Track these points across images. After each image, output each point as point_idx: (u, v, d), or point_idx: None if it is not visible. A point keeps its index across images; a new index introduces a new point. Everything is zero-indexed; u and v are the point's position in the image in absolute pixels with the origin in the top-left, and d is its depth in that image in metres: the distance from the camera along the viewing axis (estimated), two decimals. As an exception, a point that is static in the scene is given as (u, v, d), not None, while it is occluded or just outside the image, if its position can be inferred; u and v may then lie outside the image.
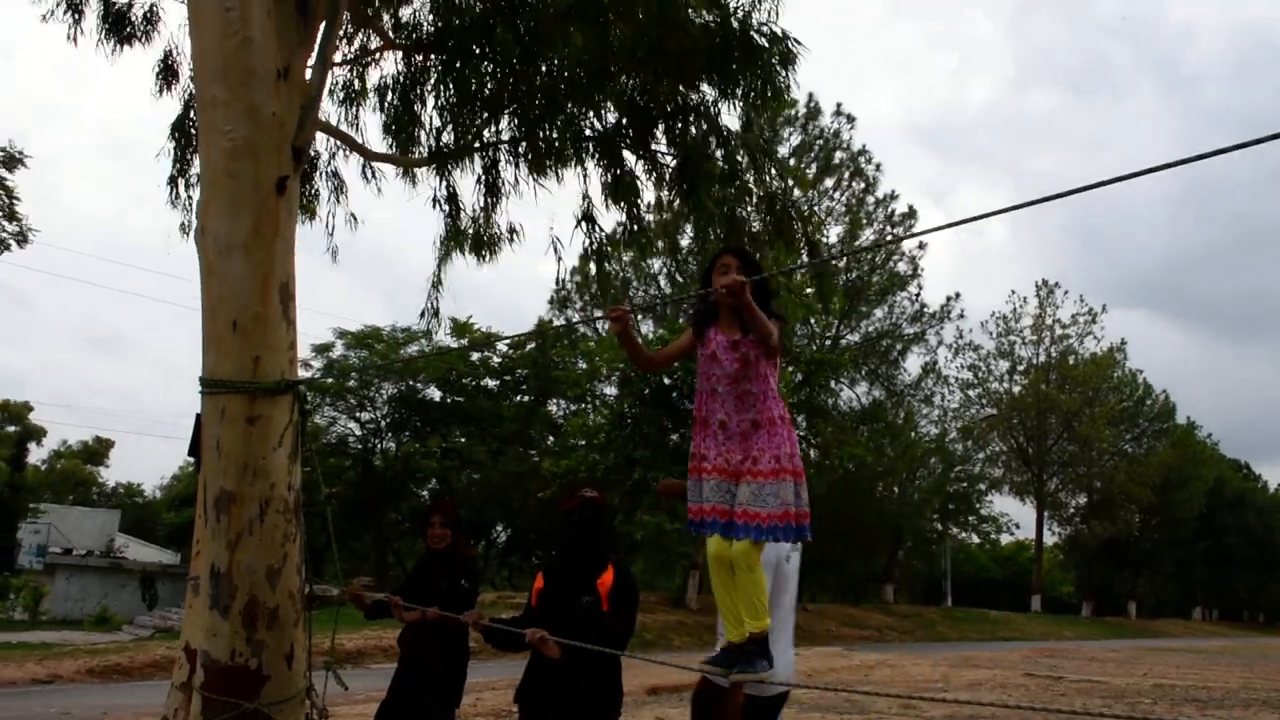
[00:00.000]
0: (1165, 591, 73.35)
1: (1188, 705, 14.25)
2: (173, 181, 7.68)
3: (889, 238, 39.22)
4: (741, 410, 3.74)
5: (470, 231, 7.32)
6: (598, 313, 34.28)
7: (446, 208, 7.20)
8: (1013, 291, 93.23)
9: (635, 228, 7.12)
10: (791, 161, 38.27)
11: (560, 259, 7.25)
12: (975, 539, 55.03)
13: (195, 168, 7.67)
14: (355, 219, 8.10)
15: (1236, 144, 2.42)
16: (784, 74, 6.62)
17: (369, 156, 6.92)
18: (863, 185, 39.40)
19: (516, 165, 6.87)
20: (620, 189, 6.84)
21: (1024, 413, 54.39)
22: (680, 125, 6.58)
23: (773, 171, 7.35)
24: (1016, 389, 55.30)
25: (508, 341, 39.41)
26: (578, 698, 4.38)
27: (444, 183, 7.15)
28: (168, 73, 7.67)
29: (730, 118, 6.77)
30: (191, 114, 7.33)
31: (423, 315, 7.76)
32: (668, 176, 6.91)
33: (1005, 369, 55.73)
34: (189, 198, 7.75)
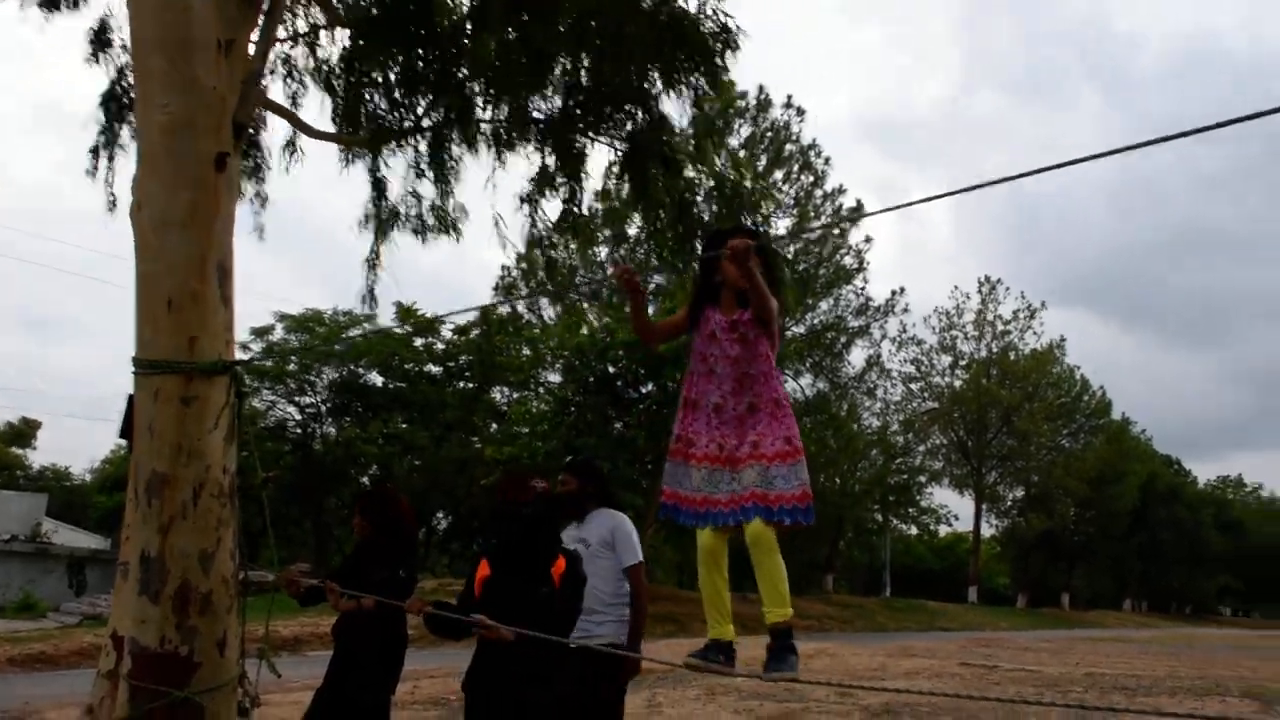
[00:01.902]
0: (1098, 584, 74.94)
1: (1117, 693, 14.54)
2: (95, 152, 7.45)
3: (846, 218, 39.39)
4: (740, 393, 3.59)
5: (412, 213, 7.20)
6: (544, 300, 34.14)
7: (384, 189, 7.07)
8: (956, 287, 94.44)
9: (577, 213, 7.04)
10: (742, 153, 38.36)
11: (506, 243, 7.16)
12: (915, 530, 55.74)
13: (126, 140, 7.46)
14: (292, 200, 7.91)
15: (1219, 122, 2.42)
16: (724, 62, 6.58)
17: (312, 134, 6.78)
18: (811, 179, 39.60)
19: (461, 147, 6.76)
20: (564, 174, 6.76)
21: (964, 407, 55.13)
22: (628, 111, 6.52)
23: (722, 159, 7.32)
24: (958, 383, 56.06)
25: (452, 327, 39.10)
26: (530, 679, 4.30)
27: (384, 163, 7.03)
28: (101, 42, 7.43)
29: (677, 103, 6.72)
30: (124, 84, 7.13)
31: (362, 300, 7.60)
32: (616, 163, 6.85)
33: (947, 363, 56.49)
34: (110, 170, 7.52)
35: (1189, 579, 77.26)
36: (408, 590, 5.57)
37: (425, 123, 6.64)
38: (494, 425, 40.22)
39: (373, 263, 7.51)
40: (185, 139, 4.65)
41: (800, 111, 39.63)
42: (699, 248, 7.16)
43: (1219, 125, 2.47)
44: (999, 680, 16.35)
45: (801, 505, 3.46)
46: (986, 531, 60.89)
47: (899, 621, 39.26)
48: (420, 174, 6.90)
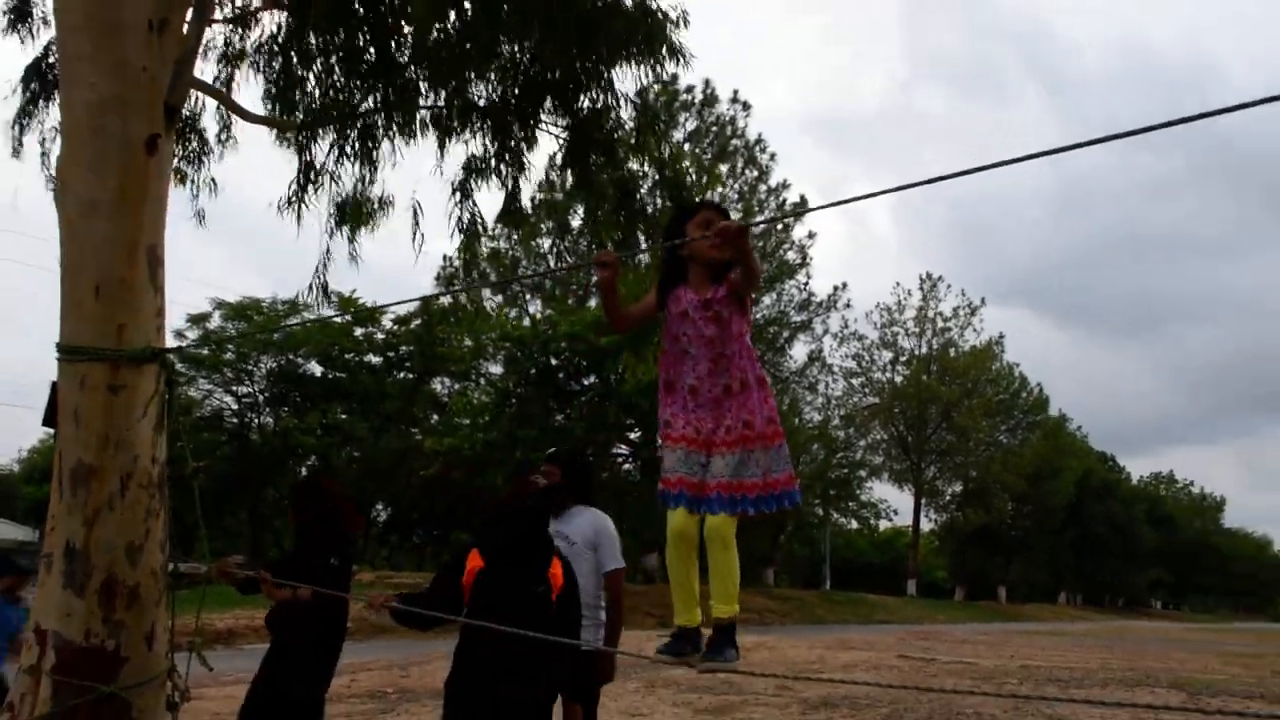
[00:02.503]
0: (1035, 577, 76.36)
1: (1051, 685, 14.79)
2: (20, 130, 7.21)
3: (790, 212, 39.57)
4: (715, 374, 3.47)
5: (349, 201, 7.06)
6: (485, 292, 33.88)
7: (316, 174, 6.92)
8: (897, 284, 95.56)
9: (514, 204, 6.94)
10: (686, 147, 38.40)
11: (453, 232, 7.04)
12: (855, 524, 56.24)
13: (51, 118, 7.23)
14: (215, 184, 7.69)
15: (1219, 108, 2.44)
16: (664, 49, 6.52)
17: (246, 118, 6.64)
18: (756, 174, 39.78)
19: (397, 133, 6.64)
20: (506, 163, 6.68)
21: (905, 402, 55.79)
22: (573, 94, 6.44)
23: (667, 149, 7.28)
24: (898, 379, 56.73)
25: (392, 317, 38.73)
26: (511, 675, 4.21)
27: (318, 148, 6.88)
28: (20, 13, 7.17)
29: (632, 77, 6.65)
30: (50, 61, 6.91)
31: (310, 289, 7.44)
32: (558, 152, 6.79)
33: (888, 359, 57.17)
34: (18, 143, 7.27)
35: (1122, 573, 79.06)
36: (341, 578, 5.49)
37: (363, 107, 6.52)
38: (434, 416, 39.95)
39: (325, 261, 7.35)
40: (113, 120, 4.51)
41: (746, 106, 39.80)
42: (641, 239, 7.12)
43: (1153, 128, 2.49)
44: (936, 673, 16.56)
45: (765, 494, 3.37)
46: (925, 526, 61.86)
47: (838, 614, 39.64)
48: (350, 159, 6.77)
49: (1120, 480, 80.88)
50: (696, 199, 8.59)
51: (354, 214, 7.11)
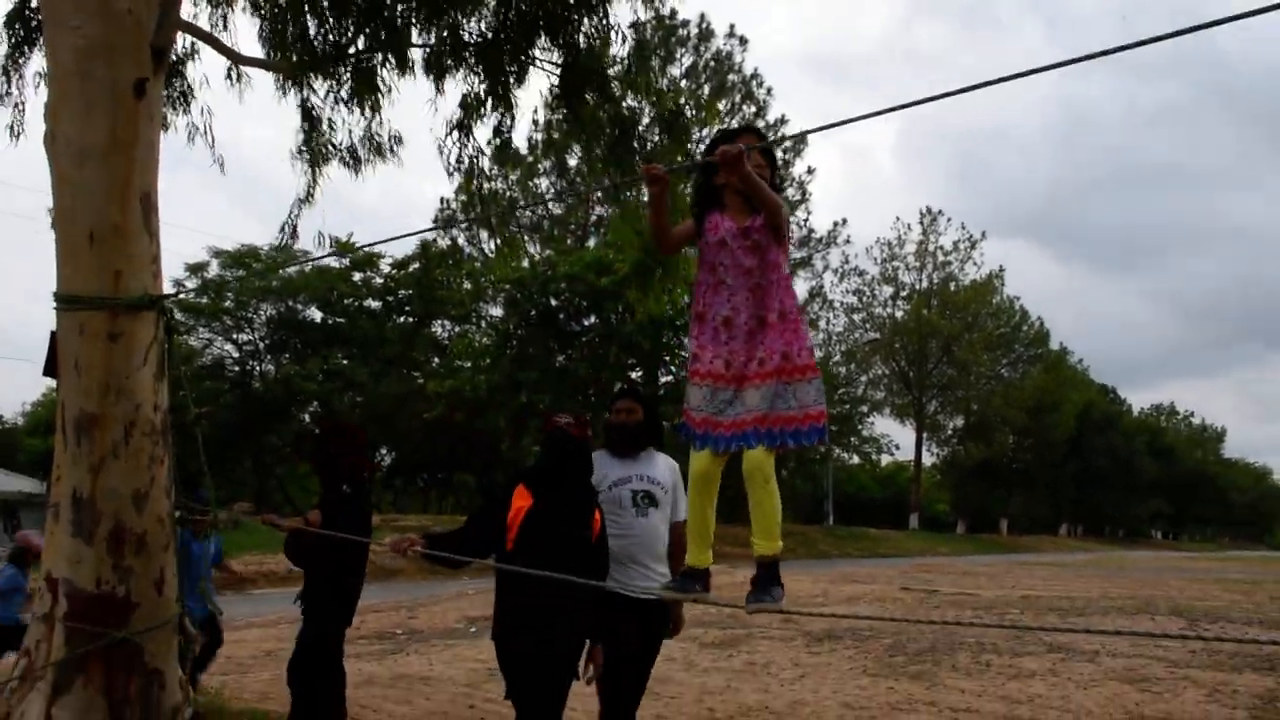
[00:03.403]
0: (1035, 509, 76.87)
1: (1051, 614, 14.95)
2: (5, 75, 7.08)
3: (786, 137, 39.26)
4: (750, 305, 3.33)
5: (343, 143, 6.97)
6: (484, 234, 33.73)
7: (315, 118, 6.82)
8: (897, 218, 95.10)
9: (510, 142, 6.84)
10: (684, 83, 38.00)
11: (452, 172, 6.95)
12: (857, 460, 56.49)
13: (36, 62, 7.10)
14: (207, 132, 7.56)
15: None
16: None
17: (237, 60, 6.53)
18: (754, 109, 39.41)
19: (390, 71, 6.52)
20: (497, 101, 6.56)
21: (906, 337, 55.77)
22: (565, 30, 6.32)
23: (663, 85, 7.17)
24: (899, 314, 56.65)
25: (390, 261, 38.56)
26: (562, 614, 4.11)
27: (314, 91, 6.77)
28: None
29: (619, 16, 6.54)
30: (34, 4, 6.78)
31: (281, 230, 7.35)
32: (551, 90, 6.68)
33: (889, 294, 57.04)
34: (20, 98, 7.16)
35: (1122, 504, 79.59)
36: (352, 507, 5.48)
37: (356, 47, 6.40)
38: (435, 360, 39.94)
39: (307, 196, 7.26)
40: (100, 64, 4.44)
41: (743, 41, 39.33)
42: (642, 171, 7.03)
43: (1146, 41, 2.44)
44: (938, 604, 16.73)
45: (804, 427, 3.26)
46: (927, 460, 62.10)
47: (842, 549, 39.98)
48: (347, 101, 6.66)
49: (1121, 413, 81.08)
50: (692, 133, 8.48)
51: (351, 155, 7.03)
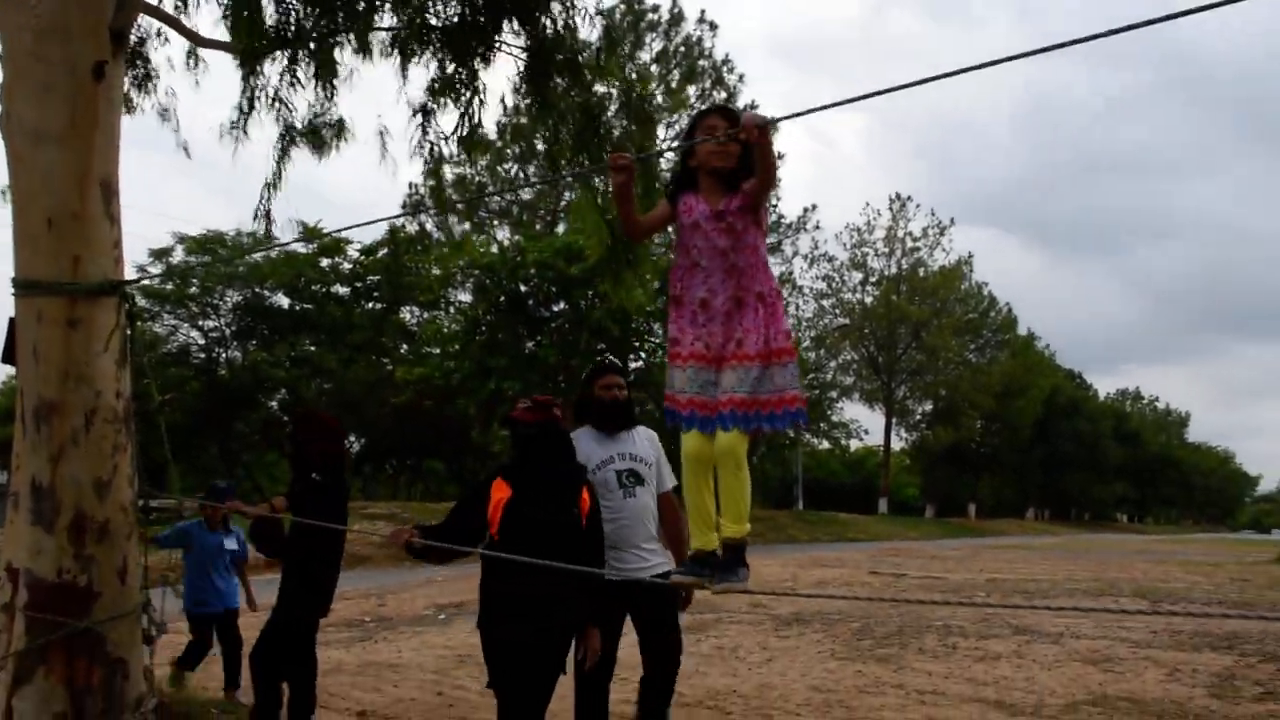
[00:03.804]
0: (1003, 493, 77.72)
1: (1017, 596, 15.12)
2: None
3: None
4: (726, 287, 3.33)
5: (305, 126, 6.88)
6: (452, 218, 33.53)
7: (279, 100, 6.73)
8: (867, 204, 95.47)
9: (474, 128, 6.78)
10: (654, 68, 37.91)
11: (413, 155, 6.89)
12: (826, 445, 56.82)
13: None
14: (173, 116, 7.43)
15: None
16: None
17: (199, 42, 6.45)
18: (724, 95, 39.34)
19: (353, 55, 6.45)
20: (463, 85, 6.51)
21: (875, 323, 56.09)
22: (533, 14, 6.27)
23: (631, 73, 7.14)
24: (868, 299, 56.95)
25: (359, 246, 38.31)
26: (555, 601, 4.11)
27: (272, 72, 6.67)
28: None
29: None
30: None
31: (255, 216, 7.26)
32: (518, 74, 6.64)
33: (858, 280, 57.32)
34: None
35: (1088, 488, 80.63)
36: (324, 495, 5.47)
37: (319, 30, 6.33)
38: (404, 346, 39.77)
39: (273, 183, 7.18)
40: (56, 46, 4.36)
41: (713, 26, 39.23)
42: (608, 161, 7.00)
43: (1113, 32, 2.45)
44: (906, 587, 16.89)
45: (779, 411, 3.27)
46: (896, 445, 62.48)
47: (811, 534, 40.20)
48: (305, 83, 6.58)
49: (1087, 397, 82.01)
50: (664, 120, 8.44)
51: (314, 139, 6.95)
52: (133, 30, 5.46)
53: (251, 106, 6.76)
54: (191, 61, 7.28)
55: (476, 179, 36.62)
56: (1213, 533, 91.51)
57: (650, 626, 4.77)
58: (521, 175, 36.84)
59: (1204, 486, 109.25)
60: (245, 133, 6.91)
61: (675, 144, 3.59)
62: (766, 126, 3.16)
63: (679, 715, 7.04)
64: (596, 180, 7.18)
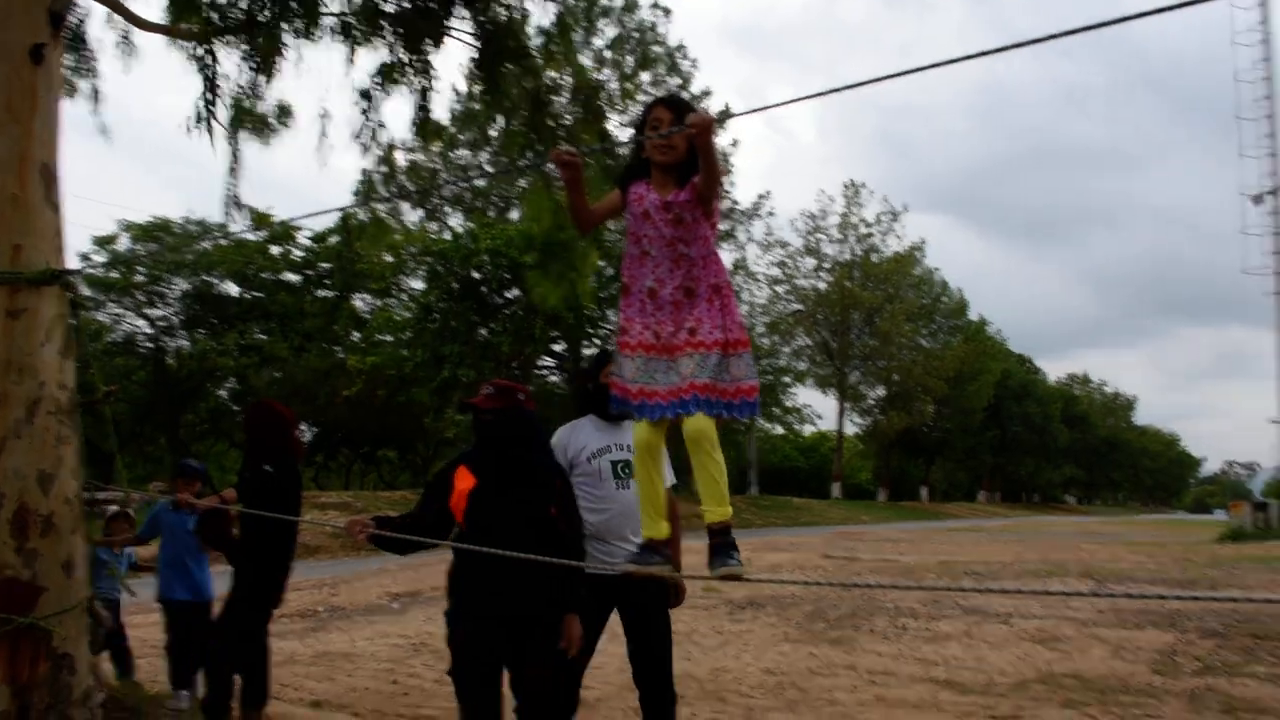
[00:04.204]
0: (955, 477, 78.69)
1: (967, 578, 15.33)
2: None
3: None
4: (675, 277, 3.31)
5: (249, 109, 6.76)
6: (404, 205, 33.25)
7: (217, 86, 6.61)
8: (821, 191, 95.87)
9: (425, 115, 6.73)
10: (608, 54, 37.74)
11: (357, 137, 6.81)
12: (780, 430, 57.16)
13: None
14: (96, 98, 7.23)
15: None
16: None
17: (140, 25, 6.32)
18: (679, 82, 39.29)
19: (300, 39, 6.36)
20: (412, 71, 6.45)
21: (828, 308, 56.47)
22: (484, 3, 6.23)
23: (581, 60, 7.12)
24: (822, 285, 57.29)
25: (309, 234, 37.90)
26: (527, 596, 4.05)
27: (221, 59, 6.56)
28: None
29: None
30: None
31: (224, 206, 7.12)
32: (470, 61, 6.59)
33: (811, 266, 57.64)
34: None
35: (1038, 471, 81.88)
36: (273, 486, 5.39)
37: (263, 15, 6.23)
38: (356, 334, 39.44)
39: (233, 168, 7.06)
40: (-6, 29, 4.29)
41: (666, 12, 39.05)
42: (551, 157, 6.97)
43: (1069, 33, 2.48)
44: (859, 570, 17.06)
45: (737, 400, 3.26)
46: (849, 429, 63.02)
47: (765, 518, 40.43)
48: (253, 69, 6.47)
49: (1037, 382, 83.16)
50: (610, 107, 8.42)
51: (259, 124, 6.86)
52: (71, 13, 5.34)
53: (215, 96, 6.63)
54: (125, 44, 7.10)
55: (429, 165, 36.38)
56: (1159, 514, 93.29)
57: (635, 622, 4.70)
58: (474, 162, 36.60)
59: (1150, 469, 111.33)
60: (212, 125, 6.77)
61: (626, 136, 3.54)
62: (706, 127, 3.14)
63: (629, 699, 7.09)
64: (550, 166, 7.14)
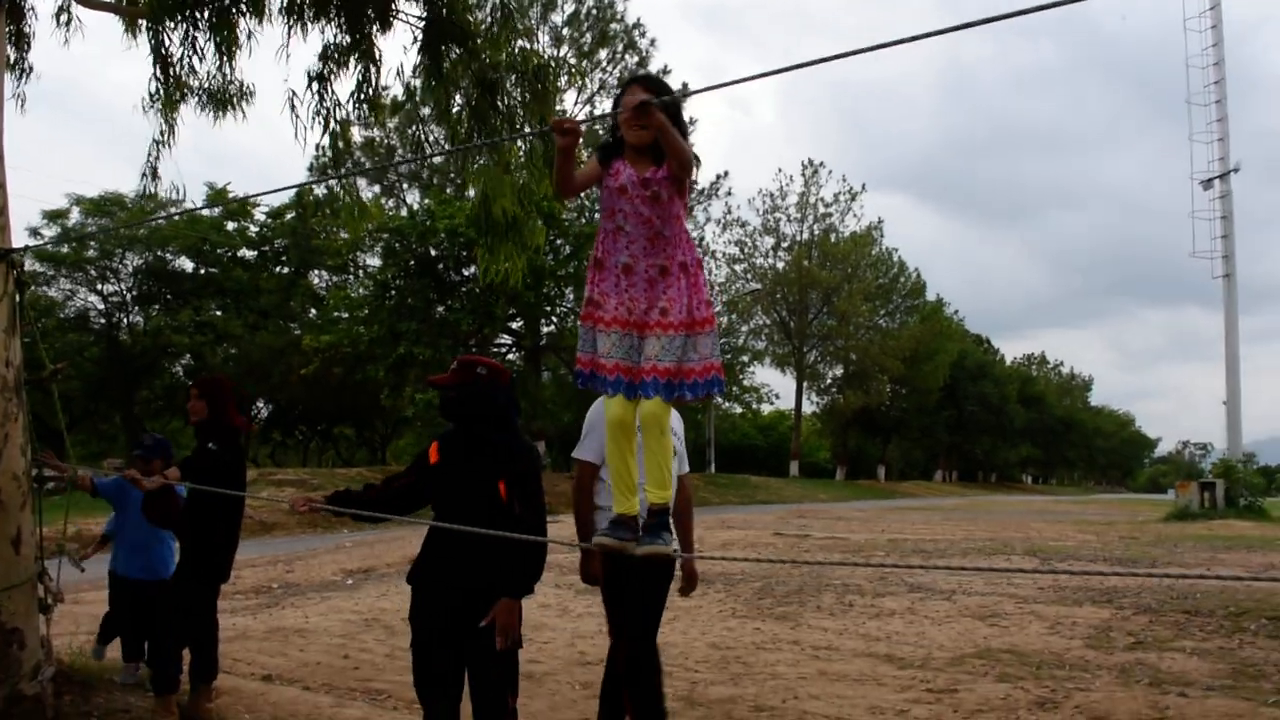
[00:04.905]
0: (912, 455, 79.51)
1: (915, 556, 15.62)
2: None
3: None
4: (650, 254, 3.37)
5: (201, 88, 6.75)
6: (362, 181, 33.02)
7: (169, 64, 6.58)
8: (779, 170, 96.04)
9: (370, 95, 6.75)
10: (565, 31, 37.66)
11: (307, 123, 6.83)
12: (738, 408, 57.49)
13: None
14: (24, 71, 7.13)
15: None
16: None
17: (88, 5, 6.30)
18: (636, 60, 39.30)
19: (249, 17, 6.34)
20: (357, 53, 6.46)
21: (786, 288, 56.81)
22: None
23: (529, 43, 7.15)
24: (780, 265, 57.58)
25: (266, 210, 37.56)
26: (471, 570, 4.06)
27: (168, 36, 6.51)
28: None
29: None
30: None
31: (142, 175, 7.08)
32: (415, 44, 6.61)
33: (770, 245, 57.92)
34: None
35: (994, 450, 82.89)
36: (220, 463, 5.41)
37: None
38: (313, 311, 39.18)
39: (160, 143, 7.02)
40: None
41: (624, -11, 39.07)
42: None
43: (1022, 13, 2.58)
44: (809, 548, 17.29)
45: (703, 379, 3.33)
46: (807, 408, 63.58)
47: (723, 497, 40.74)
48: (204, 47, 6.44)
49: (994, 362, 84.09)
50: (561, 91, 8.44)
51: (213, 100, 6.85)
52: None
53: (167, 78, 6.60)
54: (64, 18, 7.00)
55: (386, 141, 36.14)
56: (1113, 493, 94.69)
57: (632, 603, 4.63)
58: (431, 138, 36.42)
59: (1105, 449, 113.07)
60: (168, 105, 6.74)
61: (605, 113, 3.56)
62: (655, 113, 3.23)
63: (576, 674, 7.23)
64: (513, 146, 7.18)
